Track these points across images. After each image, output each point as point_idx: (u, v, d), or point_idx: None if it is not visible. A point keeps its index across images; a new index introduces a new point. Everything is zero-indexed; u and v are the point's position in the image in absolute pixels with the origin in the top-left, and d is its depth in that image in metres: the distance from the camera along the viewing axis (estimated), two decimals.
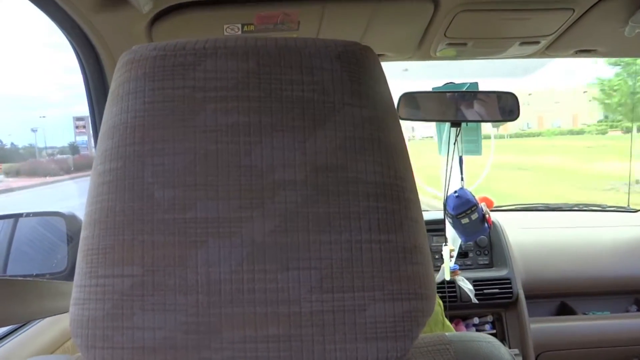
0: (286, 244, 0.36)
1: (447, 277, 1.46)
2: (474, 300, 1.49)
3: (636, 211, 2.09)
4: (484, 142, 1.48)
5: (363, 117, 0.40)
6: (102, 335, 0.37)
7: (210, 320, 0.36)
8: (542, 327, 1.63)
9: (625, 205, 2.33)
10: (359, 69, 0.40)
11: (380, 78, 0.42)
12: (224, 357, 0.36)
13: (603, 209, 2.16)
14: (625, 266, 1.70)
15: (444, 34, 1.16)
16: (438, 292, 1.50)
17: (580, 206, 2.17)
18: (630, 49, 1.29)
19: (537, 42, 1.21)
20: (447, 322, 1.00)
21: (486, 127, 1.62)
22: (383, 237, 0.38)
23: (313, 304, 0.36)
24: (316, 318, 0.36)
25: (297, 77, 0.39)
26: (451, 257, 1.46)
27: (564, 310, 1.73)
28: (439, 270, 1.51)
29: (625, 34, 1.12)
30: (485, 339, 0.48)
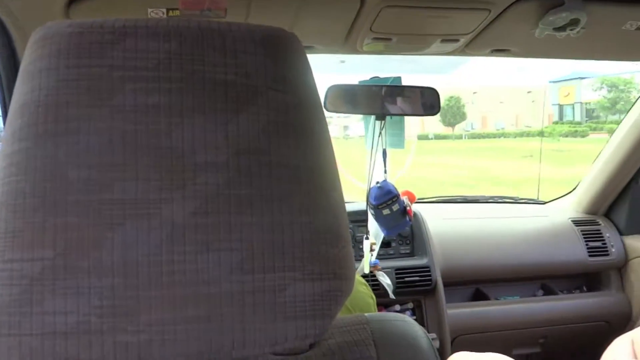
0: (207, 225, 0.36)
1: (366, 270, 1.49)
2: (392, 296, 1.54)
3: (545, 203, 2.24)
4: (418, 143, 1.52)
5: (286, 102, 0.40)
6: (7, 322, 0.35)
7: (127, 303, 0.35)
8: (459, 312, 1.72)
9: (536, 197, 2.49)
10: (283, 55, 0.41)
11: (304, 66, 0.43)
12: (141, 340, 0.35)
13: (516, 201, 2.30)
14: (533, 254, 1.83)
15: (370, 29, 1.19)
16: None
17: (496, 198, 2.30)
18: (540, 50, 1.38)
19: (457, 40, 1.27)
20: None
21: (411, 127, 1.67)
22: (304, 219, 0.39)
23: (233, 285, 0.36)
24: (236, 298, 0.36)
25: (219, 60, 0.39)
26: (372, 250, 1.50)
27: (479, 296, 1.83)
28: (360, 261, 1.55)
29: (536, 35, 1.19)
30: (401, 318, 0.50)
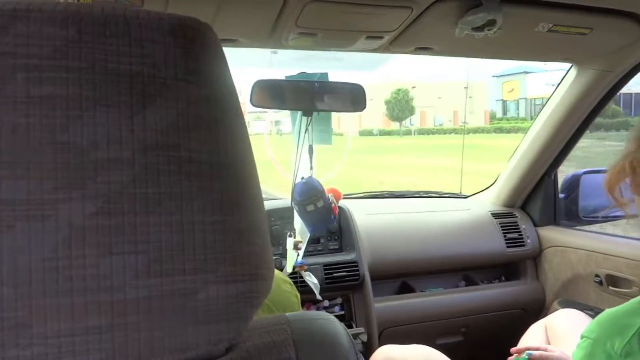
0: (109, 226, 0.34)
1: (289, 270, 1.48)
2: (318, 297, 1.54)
3: (467, 197, 2.33)
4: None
5: (198, 95, 0.38)
6: None
7: (18, 314, 0.32)
8: (386, 305, 1.75)
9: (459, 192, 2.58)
10: (195, 46, 0.39)
11: (219, 58, 0.41)
12: (35, 354, 0.32)
13: (440, 195, 2.37)
14: (456, 246, 1.89)
15: (295, 24, 1.18)
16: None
17: (421, 193, 2.37)
18: (461, 49, 1.43)
19: (381, 37, 1.28)
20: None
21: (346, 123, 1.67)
22: (217, 218, 0.37)
23: (140, 290, 0.34)
24: (143, 305, 0.34)
25: (124, 49, 0.36)
26: (298, 249, 1.49)
27: (405, 288, 1.87)
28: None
29: (456, 34, 1.23)
30: (323, 316, 0.50)
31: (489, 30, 1.19)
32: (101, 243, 0.33)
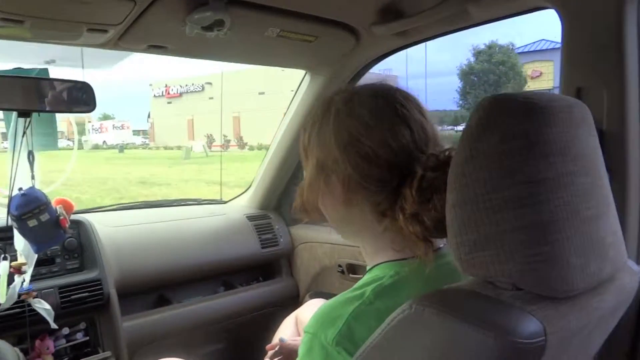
0: None
1: (2, 300, 1.27)
2: (53, 325, 1.35)
3: (226, 202, 2.33)
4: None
5: None
6: None
7: None
8: (138, 323, 1.62)
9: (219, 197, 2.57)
10: None
11: None
12: None
13: (199, 202, 2.33)
14: (213, 252, 1.87)
15: None
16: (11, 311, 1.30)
17: (179, 201, 2.29)
18: (195, 50, 1.39)
19: (106, 31, 1.18)
20: None
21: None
22: None
23: None
24: None
25: None
26: (23, 273, 1.29)
27: (162, 302, 1.77)
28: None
29: (187, 33, 1.20)
30: None
31: (218, 30, 1.19)
32: None
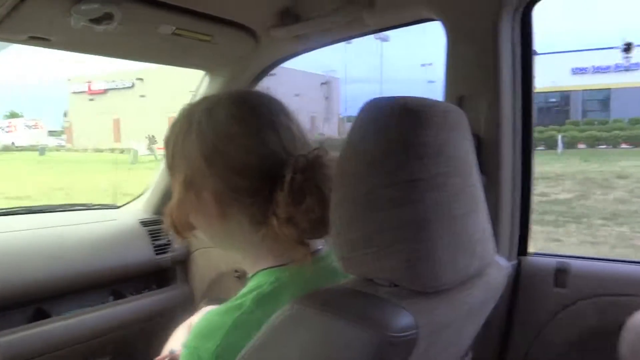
0: None
1: None
2: None
3: (119, 207, 2.21)
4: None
5: None
6: None
7: None
8: (12, 339, 1.49)
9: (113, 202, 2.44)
10: None
11: None
12: None
13: (89, 207, 2.19)
14: (101, 260, 1.76)
15: None
16: None
17: (66, 206, 2.14)
18: (83, 44, 1.31)
19: None
20: None
21: None
22: None
23: None
24: None
25: None
26: None
27: (40, 315, 1.64)
28: None
29: (72, 25, 1.12)
30: None
31: (107, 24, 1.13)
32: None
